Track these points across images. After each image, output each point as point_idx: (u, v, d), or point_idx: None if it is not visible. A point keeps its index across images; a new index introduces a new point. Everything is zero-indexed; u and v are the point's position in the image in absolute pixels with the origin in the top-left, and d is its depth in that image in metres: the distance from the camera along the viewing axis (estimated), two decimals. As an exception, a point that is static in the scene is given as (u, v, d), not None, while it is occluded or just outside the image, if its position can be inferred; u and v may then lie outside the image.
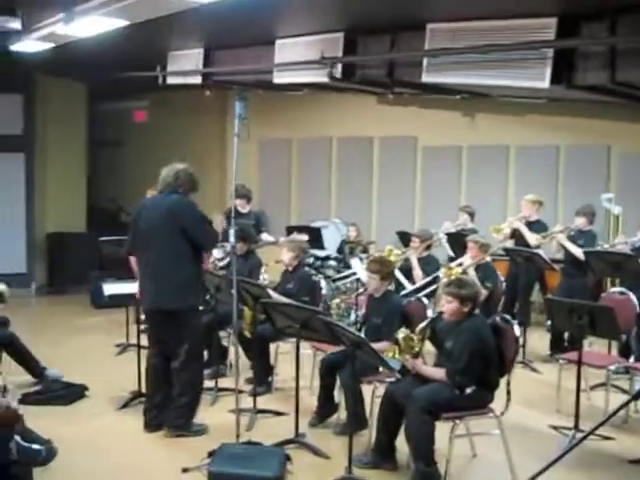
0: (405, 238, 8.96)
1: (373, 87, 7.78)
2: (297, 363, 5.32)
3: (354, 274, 8.92)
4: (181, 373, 5.46)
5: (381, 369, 5.15)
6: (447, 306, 4.74)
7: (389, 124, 11.35)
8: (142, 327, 7.94)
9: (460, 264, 7.41)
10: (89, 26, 6.23)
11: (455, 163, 10.99)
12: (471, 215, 9.11)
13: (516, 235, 8.46)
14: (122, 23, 6.00)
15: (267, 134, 12.51)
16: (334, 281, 9.58)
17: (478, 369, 4.60)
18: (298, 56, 7.32)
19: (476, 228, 8.83)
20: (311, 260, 9.86)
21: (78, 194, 12.53)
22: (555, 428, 5.76)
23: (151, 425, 5.58)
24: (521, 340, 7.89)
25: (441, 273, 7.26)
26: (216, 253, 7.68)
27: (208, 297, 6.63)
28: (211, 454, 4.85)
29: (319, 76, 7.10)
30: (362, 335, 5.05)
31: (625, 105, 8.38)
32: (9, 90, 11.12)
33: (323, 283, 7.04)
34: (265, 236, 8.70)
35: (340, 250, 10.49)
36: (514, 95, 8.60)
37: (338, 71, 6.95)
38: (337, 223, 11.13)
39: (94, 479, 4.84)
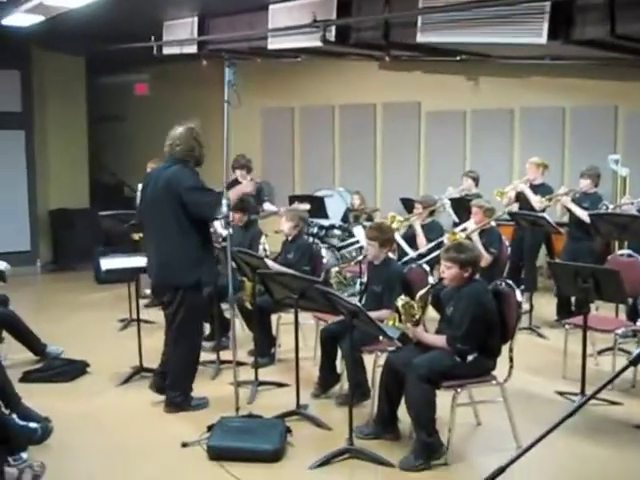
0: (409, 205, 8.86)
1: (369, 50, 7.60)
2: (296, 334, 5.23)
3: (358, 242, 8.84)
4: (174, 346, 5.39)
5: (382, 338, 5.05)
6: (447, 272, 4.63)
7: (392, 90, 11.20)
8: (145, 302, 7.98)
9: (464, 229, 7.30)
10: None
11: (459, 128, 10.86)
12: (475, 180, 8.97)
13: (521, 199, 8.35)
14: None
15: (269, 103, 12.42)
16: (338, 249, 9.50)
17: (479, 336, 4.50)
18: (291, 21, 7.17)
19: (480, 193, 8.69)
20: (315, 229, 9.79)
21: (80, 170, 12.45)
22: (561, 394, 5.67)
23: (154, 386, 5.53)
24: (526, 306, 7.88)
25: (445, 239, 7.14)
26: (217, 225, 7.59)
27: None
28: (210, 428, 4.80)
29: (313, 40, 6.94)
30: (361, 303, 4.96)
31: (631, 64, 8.20)
32: (6, 66, 10.98)
33: (324, 252, 6.94)
34: (267, 206, 8.61)
35: (345, 219, 10.43)
36: (513, 56, 8.42)
37: (332, 34, 6.79)
38: (341, 192, 11.06)
39: (93, 455, 4.78)
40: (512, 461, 2.38)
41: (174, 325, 5.34)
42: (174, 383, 5.38)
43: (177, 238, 5.19)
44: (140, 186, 5.86)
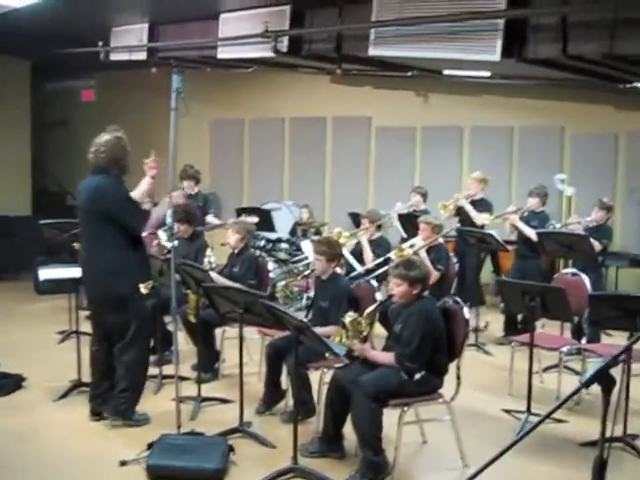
0: (357, 219, 8.81)
1: (320, 62, 7.55)
2: (241, 349, 5.12)
3: (305, 256, 8.76)
4: (122, 357, 5.21)
5: (328, 354, 4.96)
6: (396, 289, 4.57)
7: (342, 104, 11.20)
8: (85, 313, 7.75)
9: (412, 245, 7.27)
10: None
11: (409, 144, 10.89)
12: (423, 196, 8.96)
13: (461, 213, 8.35)
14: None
15: (219, 114, 12.31)
16: (285, 263, 9.41)
17: (427, 353, 4.44)
18: (243, 30, 7.08)
19: (428, 209, 8.69)
20: (262, 243, 9.69)
21: (23, 177, 12.16)
22: (507, 412, 5.65)
23: (96, 413, 5.33)
24: (473, 323, 7.90)
25: (392, 255, 7.10)
26: (162, 236, 7.45)
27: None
28: (150, 446, 4.64)
29: (264, 51, 6.86)
30: (307, 319, 4.86)
31: (579, 86, 8.33)
32: (-53, 69, 10.68)
33: (271, 266, 6.83)
34: (210, 218, 8.47)
35: (293, 232, 10.34)
36: (465, 75, 8.45)
37: (284, 45, 6.72)
38: (289, 205, 10.98)
39: (28, 474, 4.59)
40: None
41: (127, 337, 5.18)
42: (123, 390, 5.22)
43: (101, 251, 5.09)
44: None
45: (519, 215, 7.78)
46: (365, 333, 4.64)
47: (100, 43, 9.16)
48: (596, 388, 2.47)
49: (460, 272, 8.07)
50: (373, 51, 6.04)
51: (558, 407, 2.50)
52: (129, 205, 5.11)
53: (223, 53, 7.63)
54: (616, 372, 2.48)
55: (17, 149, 11.96)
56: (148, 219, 5.31)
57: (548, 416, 2.56)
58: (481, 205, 8.20)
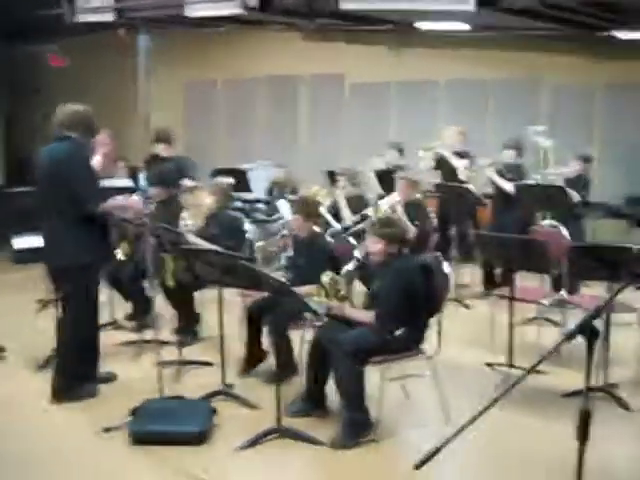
0: (333, 177, 8.73)
1: (292, 18, 7.41)
2: (220, 311, 5.09)
3: (283, 216, 8.69)
4: (61, 331, 5.17)
5: (307, 314, 4.94)
6: (373, 247, 4.54)
7: (316, 62, 11.08)
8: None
9: (389, 201, 7.22)
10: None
11: (384, 99, 10.79)
12: (400, 151, 8.88)
13: (442, 165, 8.30)
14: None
15: (191, 76, 12.13)
16: (262, 223, 9.33)
17: (406, 310, 4.43)
18: (212, -14, 6.94)
19: (405, 164, 8.62)
20: (239, 204, 9.60)
21: (-7, 145, 11.95)
22: (489, 365, 5.68)
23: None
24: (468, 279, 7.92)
25: (370, 212, 7.06)
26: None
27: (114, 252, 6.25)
28: (134, 411, 4.61)
29: (234, 7, 6.71)
30: (286, 278, 4.83)
31: (556, 37, 8.24)
32: None
33: (248, 226, 6.77)
34: (187, 181, 8.35)
35: (269, 192, 10.24)
36: (439, 30, 8.33)
37: (254, 1, 6.58)
38: (265, 165, 10.87)
39: (10, 444, 4.55)
40: (449, 439, 2.32)
41: (67, 309, 5.11)
42: (62, 369, 5.14)
43: (58, 217, 4.98)
44: None
45: (494, 168, 7.74)
46: (343, 292, 4.62)
47: (66, 4, 8.92)
48: (578, 339, 2.45)
49: (444, 228, 8.07)
50: (344, 4, 5.93)
51: (541, 361, 2.49)
52: (87, 179, 4.97)
53: (192, 11, 7.46)
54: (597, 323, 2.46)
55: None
56: (98, 203, 4.99)
57: (531, 370, 2.55)
58: (461, 156, 8.14)
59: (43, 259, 5.23)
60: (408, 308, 4.44)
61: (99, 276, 5.40)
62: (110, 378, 5.44)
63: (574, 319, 5.65)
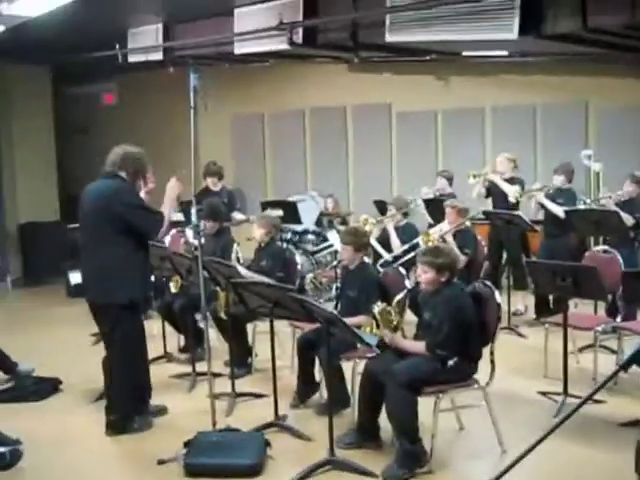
0: (382, 207, 8.77)
1: (337, 51, 7.48)
2: (272, 342, 5.13)
3: (332, 246, 8.74)
4: (109, 368, 5.23)
5: (359, 345, 4.94)
6: (423, 276, 4.54)
7: (362, 92, 11.12)
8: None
9: (439, 230, 7.21)
10: (35, 3, 5.92)
11: (430, 128, 10.80)
12: (449, 180, 8.89)
13: (493, 193, 8.26)
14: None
15: (239, 110, 12.30)
16: (313, 255, 9.39)
17: (459, 340, 4.40)
18: (258, 24, 7.04)
19: (454, 193, 8.62)
20: (289, 235, 9.69)
21: (49, 182, 12.25)
22: (544, 394, 5.59)
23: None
24: (521, 306, 7.86)
25: (420, 240, 7.06)
26: (189, 234, 7.47)
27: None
28: (187, 444, 4.65)
29: (280, 43, 6.82)
30: (337, 309, 4.84)
31: (600, 59, 8.18)
32: (-31, 80, 10.77)
33: (298, 257, 6.81)
34: (237, 214, 8.47)
35: (318, 223, 10.31)
36: (484, 55, 8.34)
37: (299, 36, 6.67)
38: (314, 196, 10.96)
39: (68, 477, 4.62)
40: (506, 470, 2.29)
41: (113, 347, 5.17)
42: (112, 406, 5.20)
43: (102, 254, 5.02)
44: None
45: (544, 193, 7.68)
46: (395, 322, 4.61)
47: (117, 46, 9.16)
48: (634, 367, 2.42)
49: (495, 256, 8.02)
50: (390, 37, 5.97)
51: (599, 389, 2.46)
52: (142, 211, 5.06)
53: (239, 48, 7.60)
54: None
55: (43, 156, 12.06)
56: (162, 223, 5.15)
57: (589, 398, 2.51)
58: (513, 182, 8.09)
59: (86, 295, 5.28)
60: (460, 337, 4.41)
61: (141, 313, 5.47)
62: (161, 411, 5.48)
63: (630, 346, 5.55)
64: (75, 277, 6.34)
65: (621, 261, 6.11)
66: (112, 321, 5.09)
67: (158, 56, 8.86)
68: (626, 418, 4.93)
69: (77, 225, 5.36)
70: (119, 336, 5.10)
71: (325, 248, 9.50)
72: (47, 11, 6.39)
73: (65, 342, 7.79)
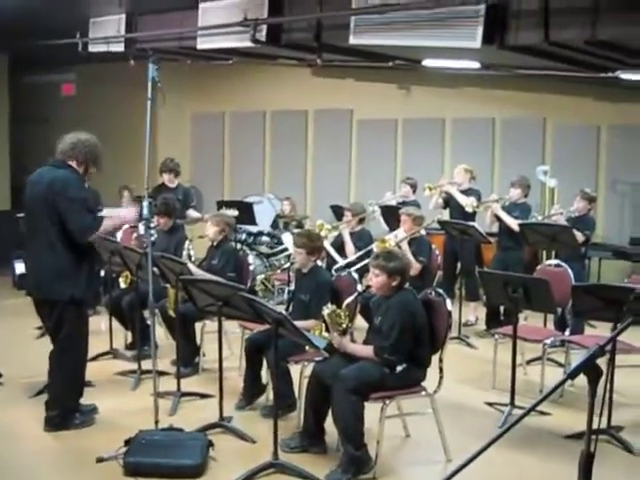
0: (339, 212, 8.74)
1: (300, 52, 7.44)
2: (220, 343, 5.04)
3: (286, 249, 8.68)
4: (53, 363, 5.06)
5: (308, 348, 4.89)
6: (374, 279, 4.50)
7: (324, 97, 11.11)
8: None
9: (394, 237, 7.20)
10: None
11: (391, 136, 10.83)
12: (413, 187, 8.88)
13: (451, 205, 8.31)
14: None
15: (199, 107, 12.21)
16: (267, 257, 9.33)
17: (408, 346, 4.38)
18: (222, 19, 6.95)
19: (417, 201, 8.62)
20: (243, 236, 9.61)
21: (1, 172, 11.97)
22: (490, 404, 5.61)
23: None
24: (472, 317, 7.93)
25: (374, 247, 7.04)
26: (141, 228, 7.35)
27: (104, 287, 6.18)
28: (128, 442, 4.54)
29: (243, 40, 6.74)
30: (288, 312, 4.79)
31: (560, 78, 8.27)
32: None
33: (252, 259, 6.75)
34: (191, 212, 8.38)
35: (274, 225, 10.26)
36: (445, 67, 8.38)
37: (262, 34, 6.61)
38: (271, 198, 10.92)
39: (5, 471, 4.48)
40: (449, 478, 2.26)
41: (56, 342, 5.03)
42: (53, 402, 5.05)
43: (51, 249, 4.82)
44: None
45: (500, 205, 7.73)
46: (344, 325, 4.57)
47: (78, 34, 9.00)
48: (579, 380, 2.40)
49: (450, 265, 8.06)
50: (353, 39, 5.94)
51: (544, 398, 2.43)
52: (80, 210, 4.82)
53: (202, 43, 7.50)
54: (600, 363, 2.41)
55: (-5, 144, 11.81)
56: (94, 230, 4.88)
57: (533, 408, 2.49)
58: (469, 193, 8.14)
59: (28, 289, 5.11)
60: (410, 343, 4.39)
61: (88, 309, 5.34)
62: (92, 410, 5.30)
63: (577, 359, 5.59)
64: (21, 267, 6.17)
65: (572, 275, 6.17)
66: (56, 317, 4.94)
67: (119, 47, 8.71)
68: (571, 430, 4.95)
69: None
70: (64, 332, 4.96)
71: (280, 251, 9.45)
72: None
73: (8, 334, 7.61)
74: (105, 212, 5.12)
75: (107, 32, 8.72)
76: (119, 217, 5.27)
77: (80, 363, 5.16)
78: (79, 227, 4.80)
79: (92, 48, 9.20)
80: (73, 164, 4.95)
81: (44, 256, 4.86)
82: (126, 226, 7.95)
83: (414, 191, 8.86)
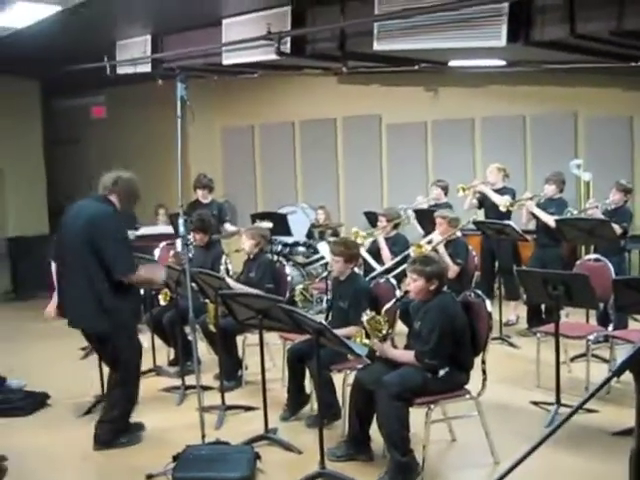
0: (373, 218, 8.72)
1: (325, 61, 7.46)
2: (262, 355, 5.07)
3: (323, 258, 8.69)
4: (114, 389, 5.15)
5: (350, 356, 4.89)
6: (412, 284, 4.49)
7: (351, 104, 11.12)
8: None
9: (430, 241, 7.18)
10: (21, 14, 5.88)
11: (420, 139, 10.80)
12: (444, 189, 8.85)
13: (485, 205, 8.26)
14: (55, 9, 5.65)
15: (228, 122, 12.29)
16: (303, 266, 9.35)
17: (449, 349, 4.36)
18: (246, 34, 7.01)
19: (450, 202, 8.59)
20: (279, 247, 9.65)
21: (38, 195, 12.18)
22: (536, 404, 5.55)
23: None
24: (513, 317, 7.91)
25: (411, 251, 7.01)
26: (178, 246, 7.43)
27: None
28: (176, 458, 4.58)
29: (268, 53, 6.79)
30: (327, 321, 4.80)
31: (588, 70, 8.20)
32: (-43, 93, 10.71)
33: (289, 269, 6.77)
34: (227, 226, 8.44)
35: (309, 235, 10.28)
36: (473, 66, 8.35)
37: (287, 46, 6.65)
38: (304, 208, 10.94)
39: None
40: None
41: (117, 371, 5.12)
42: (106, 422, 5.12)
43: (89, 282, 4.84)
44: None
45: (535, 202, 7.67)
46: (384, 332, 4.57)
47: (105, 58, 9.13)
48: (626, 376, 2.37)
49: (488, 266, 8.01)
50: (378, 46, 5.94)
51: (590, 397, 2.40)
52: (121, 248, 4.89)
53: (227, 59, 7.56)
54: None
55: (31, 169, 11.98)
56: (132, 271, 4.92)
57: (581, 406, 2.45)
58: (504, 192, 8.09)
59: (70, 322, 5.12)
60: (450, 346, 4.37)
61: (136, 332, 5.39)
62: (139, 428, 5.37)
63: (622, 355, 5.52)
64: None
65: (612, 269, 6.09)
66: (110, 349, 5.04)
67: (146, 68, 8.82)
68: (619, 427, 4.88)
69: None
70: (121, 361, 5.05)
71: (316, 260, 9.46)
72: (32, 22, 6.34)
73: (54, 356, 7.72)
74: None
75: (134, 54, 8.82)
76: (152, 273, 5.32)
77: (136, 387, 5.26)
78: (119, 267, 4.84)
79: (120, 70, 9.33)
80: (113, 198, 5.02)
81: (83, 290, 4.88)
82: (163, 243, 8.09)
83: (446, 193, 8.83)
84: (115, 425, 5.12)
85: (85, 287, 4.87)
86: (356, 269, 5.72)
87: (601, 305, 6.03)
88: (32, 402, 6.06)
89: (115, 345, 5.01)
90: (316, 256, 9.51)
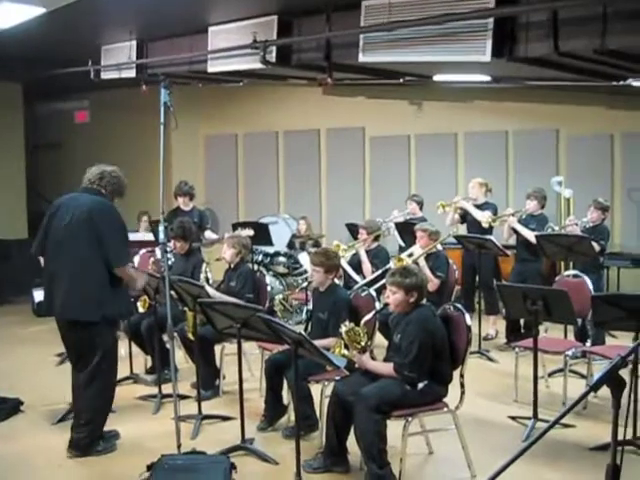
0: (354, 230, 8.73)
1: (310, 71, 7.46)
2: (239, 365, 5.04)
3: (304, 269, 8.68)
4: (87, 387, 5.03)
5: (329, 367, 4.87)
6: (392, 297, 4.49)
7: (336, 115, 11.17)
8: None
9: (410, 254, 7.18)
10: (5, 15, 5.83)
11: (404, 152, 10.84)
12: (419, 204, 8.90)
13: (468, 221, 8.30)
14: (40, 10, 5.60)
15: (212, 130, 12.28)
16: (284, 277, 9.33)
17: (428, 362, 4.35)
18: (232, 42, 7.01)
19: (425, 217, 8.62)
20: (260, 257, 9.62)
21: (17, 199, 12.07)
22: (513, 418, 5.56)
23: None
24: (492, 331, 7.90)
25: (391, 264, 7.01)
26: (158, 253, 7.38)
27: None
28: (150, 467, 4.53)
29: (253, 62, 6.79)
30: (307, 332, 4.78)
31: (571, 88, 8.27)
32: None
33: (269, 279, 6.74)
34: (208, 234, 8.41)
35: (291, 245, 10.27)
36: (457, 81, 8.40)
37: (272, 55, 6.65)
38: (286, 218, 10.93)
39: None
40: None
41: (90, 365, 5.00)
42: (83, 424, 5.03)
43: (89, 271, 4.85)
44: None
45: (517, 218, 7.70)
46: (363, 343, 4.55)
47: (90, 62, 9.10)
48: (603, 391, 2.38)
49: (469, 279, 8.03)
50: (363, 57, 5.96)
51: (567, 412, 2.40)
52: (121, 239, 4.97)
53: (213, 66, 7.55)
54: (623, 373, 2.39)
55: (12, 172, 11.87)
56: (125, 267, 4.99)
57: (557, 421, 2.46)
58: (484, 207, 8.12)
59: (54, 312, 5.05)
60: (430, 359, 4.36)
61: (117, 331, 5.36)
62: (114, 436, 5.30)
63: (600, 371, 5.54)
64: (40, 295, 6.18)
65: (590, 285, 6.13)
66: (88, 339, 4.94)
67: (131, 73, 8.79)
68: (596, 442, 4.90)
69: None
70: (98, 356, 4.96)
71: (297, 270, 9.45)
72: (16, 24, 6.28)
73: (29, 362, 7.64)
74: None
75: (118, 59, 8.80)
76: (137, 275, 5.32)
77: (112, 387, 5.20)
78: (117, 258, 4.89)
79: (104, 75, 9.30)
80: (103, 192, 5.04)
81: (75, 277, 4.87)
82: (143, 250, 8.05)
83: (421, 208, 8.87)
84: (92, 430, 5.04)
85: (79, 277, 4.85)
86: (336, 280, 5.71)
87: (579, 321, 6.06)
88: (5, 408, 5.96)
89: (96, 338, 4.91)
90: (297, 267, 9.50)
